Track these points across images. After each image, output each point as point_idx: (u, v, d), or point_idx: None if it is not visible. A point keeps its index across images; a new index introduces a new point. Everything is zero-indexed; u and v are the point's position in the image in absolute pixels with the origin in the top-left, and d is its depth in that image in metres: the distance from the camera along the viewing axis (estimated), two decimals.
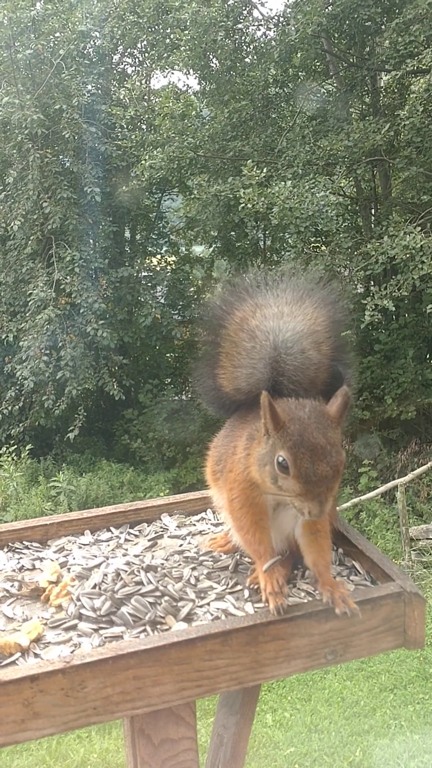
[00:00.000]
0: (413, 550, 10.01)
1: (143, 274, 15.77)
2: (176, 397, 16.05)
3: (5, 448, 12.93)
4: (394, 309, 11.03)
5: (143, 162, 12.79)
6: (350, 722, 6.84)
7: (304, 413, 1.46)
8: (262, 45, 14.00)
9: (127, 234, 16.65)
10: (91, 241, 13.98)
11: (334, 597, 1.44)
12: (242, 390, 1.67)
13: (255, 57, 14.27)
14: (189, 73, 14.80)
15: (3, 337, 13.54)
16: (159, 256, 17.33)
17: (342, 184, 12.94)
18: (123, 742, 1.58)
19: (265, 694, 7.40)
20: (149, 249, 16.97)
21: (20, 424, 13.66)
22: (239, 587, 1.60)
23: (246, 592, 1.58)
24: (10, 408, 13.49)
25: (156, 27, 14.33)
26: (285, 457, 1.41)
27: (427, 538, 10.27)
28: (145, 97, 15.33)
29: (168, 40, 14.17)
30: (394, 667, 7.74)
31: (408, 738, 6.42)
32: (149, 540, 1.83)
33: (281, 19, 14.02)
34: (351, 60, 14.14)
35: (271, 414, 1.44)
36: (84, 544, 1.83)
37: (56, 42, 13.53)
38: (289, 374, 1.61)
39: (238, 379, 1.67)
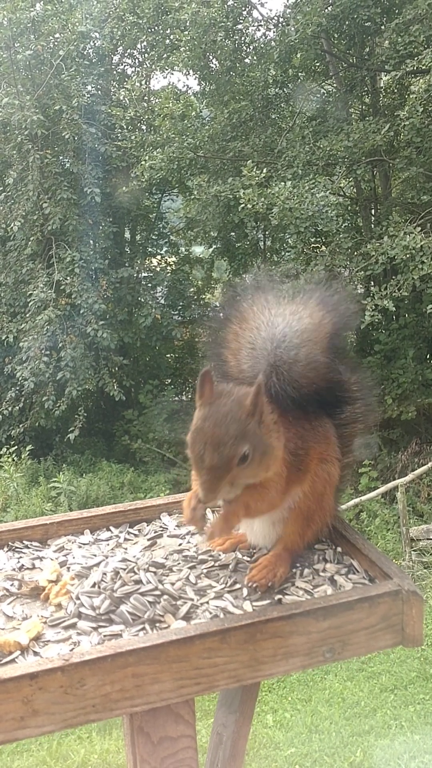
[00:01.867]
0: (414, 551, 10.01)
1: (143, 274, 15.78)
2: (176, 398, 16.05)
3: (5, 449, 12.93)
4: (394, 309, 11.03)
5: (143, 162, 12.80)
6: (351, 723, 6.84)
7: (222, 400, 1.48)
8: (262, 45, 14.01)
9: (127, 234, 16.65)
10: (91, 241, 13.98)
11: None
12: (245, 373, 1.69)
13: (255, 57, 14.27)
14: (189, 73, 14.81)
15: (3, 337, 13.54)
16: (159, 257, 17.33)
17: (342, 185, 12.95)
18: (123, 742, 1.59)
19: (266, 695, 7.41)
20: (149, 249, 16.97)
21: (20, 425, 13.66)
22: (238, 586, 1.61)
23: (245, 591, 1.59)
24: (10, 409, 13.49)
25: (156, 28, 14.34)
26: (187, 438, 1.48)
27: (428, 539, 10.28)
28: (145, 97, 15.34)
29: (168, 41, 14.19)
30: (394, 668, 7.74)
31: (409, 738, 6.43)
32: (149, 539, 1.84)
33: (281, 19, 14.04)
34: (351, 60, 14.15)
35: (199, 390, 1.50)
36: (84, 544, 1.84)
37: (56, 43, 13.54)
38: (286, 369, 1.63)
39: (242, 363, 1.71)
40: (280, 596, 1.55)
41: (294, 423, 1.66)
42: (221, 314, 1.80)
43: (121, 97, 15.02)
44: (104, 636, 1.43)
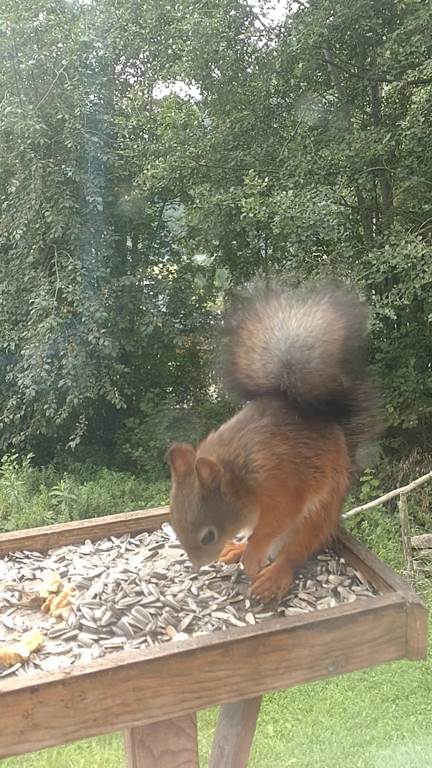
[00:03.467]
0: (415, 560, 9.98)
1: (145, 282, 15.81)
2: (178, 406, 16.05)
3: (6, 457, 12.92)
4: (395, 318, 11.04)
5: (145, 171, 12.85)
6: (352, 733, 6.80)
7: (188, 479, 1.57)
8: (264, 55, 14.06)
9: (129, 243, 16.68)
10: (93, 250, 14.01)
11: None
12: (256, 373, 1.70)
13: (256, 67, 14.33)
14: (191, 83, 14.88)
15: (5, 345, 13.55)
16: (161, 265, 17.37)
17: (343, 194, 12.96)
18: (123, 753, 1.58)
19: (267, 705, 7.37)
20: (151, 258, 17.01)
21: (21, 433, 13.65)
22: (240, 597, 1.60)
23: (247, 602, 1.58)
24: (11, 416, 13.48)
25: (158, 38, 14.41)
26: None
27: (429, 548, 10.24)
28: (147, 107, 15.41)
29: (170, 51, 14.25)
30: (395, 678, 7.71)
31: (410, 749, 6.39)
32: (150, 550, 1.83)
33: (283, 29, 14.10)
34: (352, 70, 14.21)
35: (171, 467, 1.60)
36: (85, 554, 1.83)
37: (59, 52, 13.61)
38: (299, 369, 1.64)
39: (253, 363, 1.72)
40: (282, 608, 1.54)
41: (309, 427, 1.66)
42: (235, 315, 1.80)
43: (124, 107, 15.09)
44: (105, 648, 1.42)
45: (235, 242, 15.80)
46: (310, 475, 1.65)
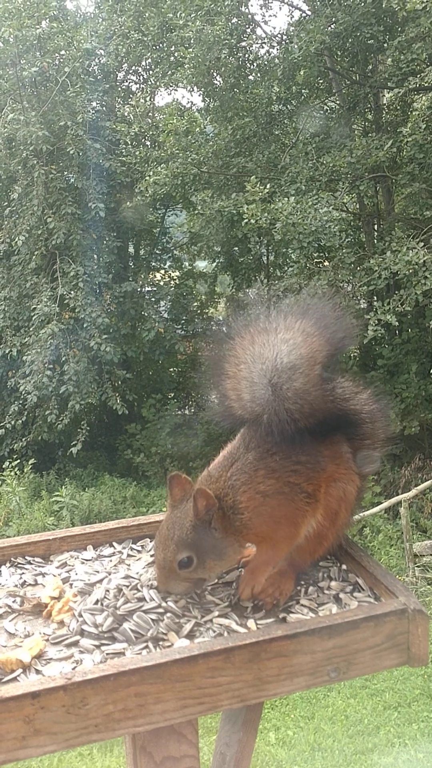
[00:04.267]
0: (417, 566, 9.95)
1: (147, 289, 15.82)
2: (179, 412, 16.04)
3: (8, 463, 12.91)
4: (397, 324, 11.04)
5: (147, 178, 12.88)
6: (354, 740, 6.77)
7: (184, 505, 1.62)
8: (266, 63, 14.10)
9: (131, 249, 16.71)
10: (95, 256, 14.03)
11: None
12: (248, 403, 1.68)
13: (258, 74, 14.37)
14: (193, 90, 14.92)
15: (7, 351, 13.56)
16: (162, 271, 17.38)
17: (345, 200, 12.97)
18: (125, 759, 1.57)
19: (268, 712, 7.34)
20: (153, 264, 17.03)
21: (23, 439, 13.65)
22: (242, 603, 1.60)
23: (249, 609, 1.57)
24: (13, 422, 13.48)
25: (160, 45, 14.46)
26: None
27: (431, 554, 10.21)
28: (150, 113, 15.45)
29: (172, 58, 14.29)
30: (398, 685, 7.68)
31: (412, 756, 6.36)
32: (152, 555, 1.83)
33: (284, 37, 14.14)
34: (354, 77, 14.25)
35: (168, 493, 1.66)
36: (86, 560, 1.83)
37: (61, 60, 13.65)
38: (286, 399, 1.62)
39: (243, 395, 1.69)
40: (284, 614, 1.54)
41: (298, 451, 1.66)
42: (213, 358, 1.80)
43: (126, 113, 15.13)
44: (107, 654, 1.42)
45: (236, 248, 15.82)
46: (301, 501, 1.65)
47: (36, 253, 13.57)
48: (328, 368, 1.72)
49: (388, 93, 13.81)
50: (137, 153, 13.90)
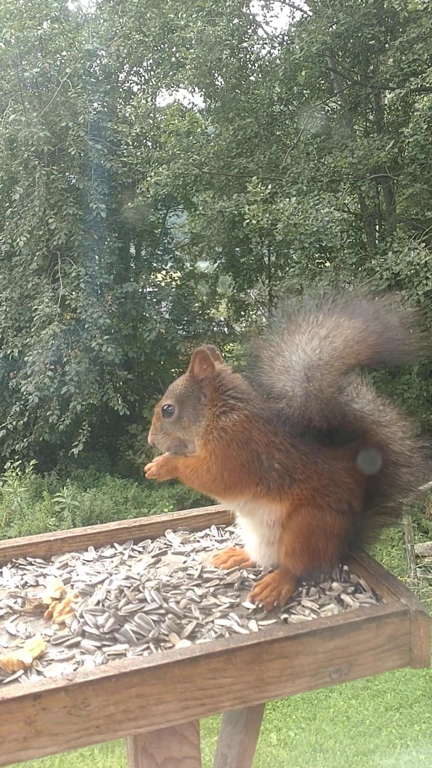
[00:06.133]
0: (419, 567, 9.94)
1: (148, 289, 15.80)
2: None
3: (9, 463, 12.91)
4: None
5: (149, 178, 12.87)
6: (355, 742, 6.76)
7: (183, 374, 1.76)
8: (267, 63, 14.11)
9: (132, 250, 16.70)
10: (96, 256, 14.03)
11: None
12: (285, 389, 1.67)
13: (260, 75, 14.37)
14: (194, 90, 14.92)
15: (8, 352, 13.56)
16: (164, 272, 17.38)
17: (346, 201, 12.97)
18: (126, 761, 1.57)
19: (270, 713, 7.34)
20: (154, 265, 17.02)
21: (25, 440, 13.65)
22: (243, 604, 1.59)
23: (250, 610, 1.57)
24: (14, 423, 13.48)
25: (161, 46, 14.46)
26: None
27: None
28: (151, 114, 15.46)
29: (173, 59, 14.29)
30: (399, 686, 7.67)
31: (414, 758, 6.35)
32: (153, 556, 1.83)
33: (286, 37, 14.14)
34: (355, 78, 14.24)
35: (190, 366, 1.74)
36: (88, 561, 1.83)
37: (63, 61, 13.66)
38: (319, 396, 1.62)
39: (276, 384, 1.69)
40: (286, 615, 1.54)
41: (304, 444, 1.65)
42: (255, 344, 1.79)
43: (127, 114, 15.13)
44: (108, 655, 1.42)
45: (238, 249, 15.82)
46: (257, 477, 1.64)
47: (37, 253, 13.57)
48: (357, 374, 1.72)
49: (390, 93, 13.80)
50: (138, 154, 13.90)
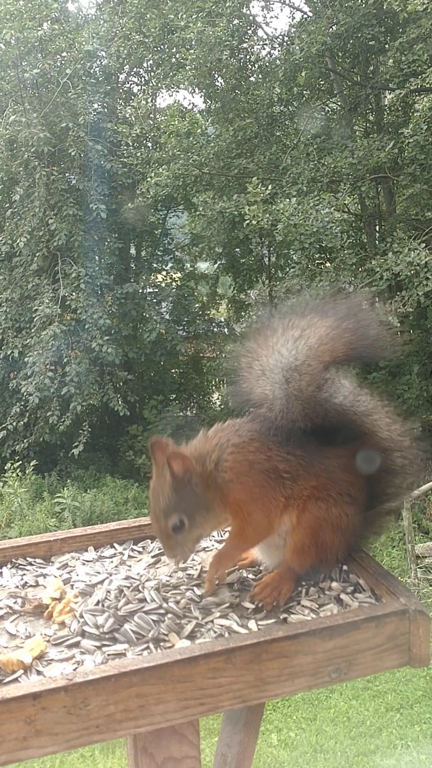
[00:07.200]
0: (419, 568, 9.93)
1: (148, 290, 15.81)
2: (181, 413, 16.03)
3: (10, 464, 12.91)
4: (399, 325, 11.02)
5: (149, 179, 12.88)
6: (356, 742, 6.76)
7: (156, 481, 1.65)
8: (267, 64, 14.11)
9: (133, 250, 16.70)
10: (96, 257, 14.03)
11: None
12: (266, 395, 1.69)
13: (260, 76, 14.38)
14: (194, 91, 14.94)
15: (8, 353, 13.56)
16: (164, 273, 17.38)
17: (346, 201, 12.97)
18: (126, 761, 1.57)
19: (270, 714, 7.34)
20: (154, 265, 17.02)
21: (25, 440, 13.64)
22: (243, 604, 1.60)
23: (250, 609, 1.57)
24: (15, 424, 13.48)
25: (162, 46, 14.47)
26: None
27: None
28: (151, 115, 15.46)
29: (173, 60, 14.31)
30: (400, 687, 7.66)
31: (414, 758, 6.35)
32: (153, 557, 1.83)
33: (286, 38, 14.14)
34: (355, 79, 14.25)
35: (152, 459, 1.67)
36: (87, 561, 1.83)
37: (63, 61, 13.66)
38: (300, 398, 1.63)
39: (255, 389, 1.71)
40: (285, 615, 1.54)
41: (297, 447, 1.66)
42: (235, 354, 1.81)
43: (127, 115, 15.13)
44: (108, 655, 1.42)
45: (238, 250, 15.82)
46: (279, 493, 1.65)
47: (37, 254, 13.58)
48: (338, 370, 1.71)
49: (390, 94, 13.79)
50: (139, 154, 13.91)
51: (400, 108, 13.89)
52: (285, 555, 1.68)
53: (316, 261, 13.70)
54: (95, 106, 14.43)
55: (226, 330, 17.11)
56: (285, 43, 13.99)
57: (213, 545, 1.89)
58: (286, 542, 1.68)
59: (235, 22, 13.23)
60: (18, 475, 12.55)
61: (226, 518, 1.70)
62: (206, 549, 1.87)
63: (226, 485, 1.64)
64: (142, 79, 16.22)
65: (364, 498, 1.71)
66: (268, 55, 14.31)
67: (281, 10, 18.52)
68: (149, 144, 15.06)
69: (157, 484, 1.65)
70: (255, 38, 14.02)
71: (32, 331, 13.23)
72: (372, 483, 1.75)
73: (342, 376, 1.74)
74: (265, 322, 1.75)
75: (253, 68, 14.59)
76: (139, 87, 16.16)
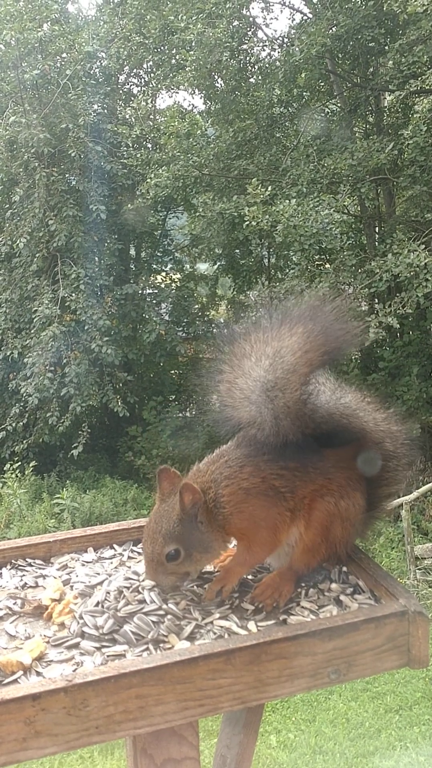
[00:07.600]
0: (418, 569, 9.94)
1: (148, 291, 15.81)
2: (180, 414, 16.02)
3: (9, 465, 12.90)
4: (398, 326, 11.03)
5: (148, 180, 12.88)
6: (355, 744, 6.76)
7: (172, 498, 1.64)
8: (267, 65, 14.11)
9: (132, 251, 16.70)
10: (96, 258, 14.02)
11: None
12: (252, 414, 1.67)
13: (260, 77, 14.38)
14: (194, 92, 14.93)
15: (8, 353, 13.55)
16: (164, 274, 17.37)
17: (346, 203, 12.98)
18: (126, 762, 1.57)
19: (269, 715, 7.33)
20: (154, 266, 17.02)
21: (24, 441, 13.64)
22: (243, 605, 1.60)
23: (249, 611, 1.57)
24: (14, 424, 13.47)
25: (162, 48, 14.48)
26: None
27: None
28: (151, 116, 15.46)
29: (173, 61, 14.31)
30: (399, 688, 7.66)
31: (414, 760, 6.35)
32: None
33: (285, 39, 14.15)
34: (355, 80, 14.26)
35: (157, 487, 1.68)
36: (87, 562, 1.83)
37: (63, 62, 13.67)
38: (286, 413, 1.63)
39: (241, 410, 1.69)
40: (284, 616, 1.54)
41: (288, 457, 1.66)
42: (210, 378, 1.79)
43: (127, 116, 15.14)
44: (107, 656, 1.42)
45: (238, 251, 15.83)
46: (283, 507, 1.65)
47: (37, 255, 13.57)
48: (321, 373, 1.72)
49: (389, 95, 13.78)
50: (138, 155, 13.91)
51: (399, 110, 13.89)
52: (293, 555, 1.69)
53: (316, 262, 13.71)
54: (95, 107, 14.43)
55: (225, 331, 17.07)
56: (285, 45, 14.00)
57: None
58: (295, 546, 1.69)
59: (235, 23, 13.24)
60: (17, 476, 12.54)
61: (221, 555, 1.72)
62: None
63: (226, 520, 1.64)
64: (142, 80, 16.22)
65: (364, 485, 1.73)
66: (268, 57, 14.32)
67: (281, 11, 18.60)
68: (149, 145, 15.06)
69: (161, 508, 1.64)
70: (255, 40, 14.03)
71: (32, 331, 13.22)
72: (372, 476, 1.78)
73: (320, 380, 1.75)
74: (234, 341, 1.74)
75: (253, 69, 14.59)
76: (139, 88, 16.17)
